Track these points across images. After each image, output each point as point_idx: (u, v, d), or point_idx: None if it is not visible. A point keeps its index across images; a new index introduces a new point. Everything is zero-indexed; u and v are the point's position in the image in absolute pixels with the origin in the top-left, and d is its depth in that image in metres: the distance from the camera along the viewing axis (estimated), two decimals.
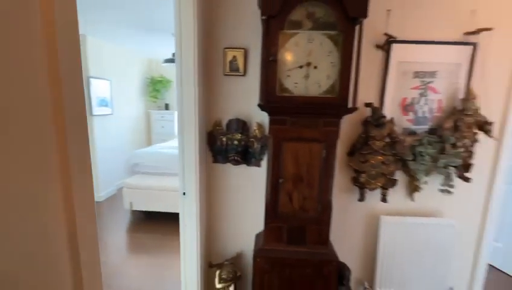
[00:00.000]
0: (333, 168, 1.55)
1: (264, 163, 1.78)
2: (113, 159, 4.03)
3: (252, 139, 1.73)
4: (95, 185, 3.78)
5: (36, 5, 0.48)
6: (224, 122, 1.75)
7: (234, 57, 1.66)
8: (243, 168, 1.79)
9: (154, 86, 5.05)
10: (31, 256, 0.53)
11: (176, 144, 3.79)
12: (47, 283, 0.57)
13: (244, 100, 1.72)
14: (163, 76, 5.17)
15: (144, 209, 3.23)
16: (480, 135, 1.58)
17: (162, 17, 2.72)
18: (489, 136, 1.57)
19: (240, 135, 1.71)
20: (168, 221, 3.22)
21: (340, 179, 1.75)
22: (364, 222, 1.82)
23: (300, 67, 1.46)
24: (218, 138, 1.74)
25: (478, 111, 1.56)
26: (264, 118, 1.70)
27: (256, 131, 1.72)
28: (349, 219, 1.82)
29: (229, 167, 1.79)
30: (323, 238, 1.64)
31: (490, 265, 2.32)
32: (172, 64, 3.26)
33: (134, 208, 3.20)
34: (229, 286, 1.78)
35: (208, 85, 1.69)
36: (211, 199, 1.85)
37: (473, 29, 1.54)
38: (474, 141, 1.59)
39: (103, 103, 3.80)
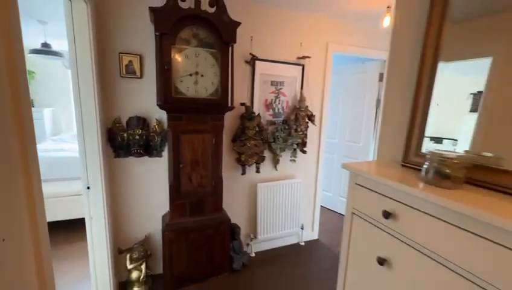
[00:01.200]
0: (221, 152, 2.07)
1: (165, 154, 2.10)
2: None
3: (152, 134, 2.01)
4: None
5: None
6: (124, 120, 1.93)
7: (130, 61, 1.87)
8: (145, 159, 2.04)
9: None
10: None
11: (55, 146, 3.37)
12: None
13: (143, 100, 1.96)
14: None
15: None
16: (310, 123, 2.51)
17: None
18: (314, 124, 2.52)
19: (140, 131, 1.95)
20: (69, 226, 2.89)
21: (227, 160, 2.31)
22: (246, 190, 2.47)
23: (190, 75, 1.87)
24: (118, 134, 1.91)
25: (307, 108, 2.47)
26: (162, 114, 2.01)
27: (156, 126, 2.01)
28: (236, 189, 2.42)
29: (131, 160, 2.00)
30: (218, 206, 2.15)
31: (323, 207, 3.56)
32: (41, 56, 2.86)
33: None
34: (141, 264, 2.02)
35: (105, 85, 1.82)
36: (116, 190, 1.99)
37: (301, 56, 2.41)
38: (307, 127, 2.50)
39: None
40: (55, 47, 3.33)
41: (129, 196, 2.05)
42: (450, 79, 0.95)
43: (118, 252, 2.00)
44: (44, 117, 4.36)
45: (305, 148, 2.53)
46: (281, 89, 2.43)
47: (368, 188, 0.96)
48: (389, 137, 1.21)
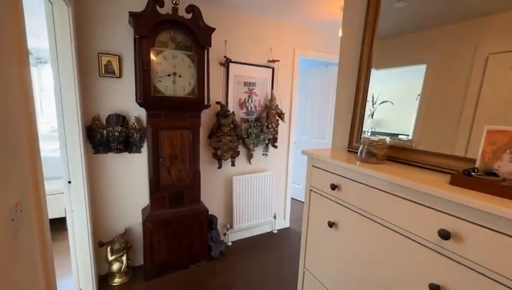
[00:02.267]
0: (198, 147, 2.23)
1: (144, 149, 2.21)
2: None
3: (132, 131, 2.11)
4: None
5: None
6: (104, 118, 2.01)
7: (109, 61, 1.96)
8: (125, 155, 2.13)
9: None
10: None
11: None
12: None
13: (122, 98, 2.06)
14: None
15: None
16: (280, 121, 2.76)
17: None
18: (283, 121, 2.77)
19: (120, 128, 2.04)
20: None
21: (204, 155, 2.47)
22: (223, 182, 2.65)
23: (169, 75, 2.01)
24: (98, 131, 1.99)
25: (277, 106, 2.72)
26: (141, 112, 2.12)
27: (135, 124, 2.12)
28: (213, 182, 2.59)
29: (111, 156, 2.08)
30: (196, 198, 2.31)
31: (294, 199, 3.85)
32: None
33: None
34: (122, 255, 2.11)
35: (84, 85, 1.89)
36: (95, 186, 2.06)
37: (271, 59, 2.65)
38: (277, 124, 2.75)
39: None
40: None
41: (109, 191, 2.13)
42: (386, 83, 1.22)
43: (99, 245, 2.07)
44: None
45: (276, 144, 2.77)
46: (253, 89, 2.65)
47: (321, 169, 1.21)
48: (339, 130, 1.48)
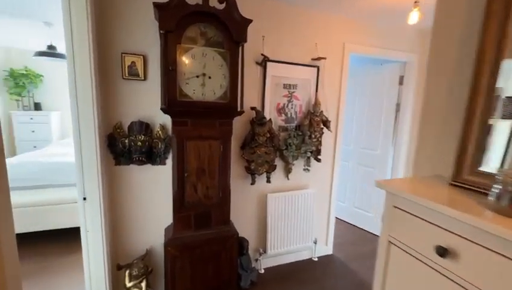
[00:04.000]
0: (229, 160, 1.91)
1: (169, 161, 1.95)
2: None
3: (156, 140, 1.86)
4: None
5: None
6: (126, 125, 1.79)
7: (133, 62, 1.74)
8: (148, 167, 1.89)
9: (16, 81, 4.05)
10: None
11: (58, 150, 3.28)
12: None
13: (146, 103, 1.82)
14: (29, 68, 4.22)
15: (23, 232, 2.66)
16: (325, 129, 2.32)
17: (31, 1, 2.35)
18: (329, 130, 2.33)
19: (143, 137, 1.81)
20: (50, 239, 2.78)
21: (235, 168, 2.14)
22: (256, 201, 2.30)
23: (197, 76, 1.72)
24: (119, 140, 1.77)
25: (322, 112, 2.29)
26: (166, 119, 1.86)
27: (160, 132, 1.87)
28: (244, 200, 2.25)
29: (133, 167, 1.85)
30: (225, 219, 1.98)
31: (338, 218, 3.33)
32: (47, 58, 2.79)
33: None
34: (141, 282, 1.85)
35: (105, 88, 1.69)
36: (115, 201, 1.85)
37: (316, 57, 2.24)
38: (321, 133, 2.31)
39: None
40: (61, 49, 3.27)
41: (130, 206, 1.90)
42: None
43: (117, 268, 1.84)
44: (51, 121, 4.32)
45: (319, 157, 2.34)
46: (294, 92, 2.26)
47: (410, 213, 0.78)
48: (429, 148, 1.02)
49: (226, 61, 1.78)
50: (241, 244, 2.16)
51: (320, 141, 2.32)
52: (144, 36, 1.75)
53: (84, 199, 1.55)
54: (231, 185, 1.96)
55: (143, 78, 1.78)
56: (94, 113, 1.49)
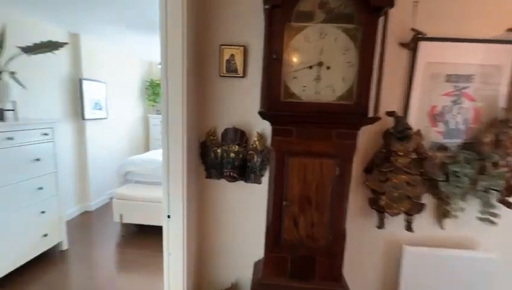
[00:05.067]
0: (348, 189, 1.28)
1: (265, 180, 1.52)
2: (106, 166, 3.80)
3: (251, 152, 1.48)
4: (85, 193, 3.55)
5: None
6: (220, 132, 1.50)
7: (232, 55, 1.42)
8: (240, 185, 1.53)
9: (154, 90, 4.85)
10: None
11: None
12: None
13: (243, 106, 1.47)
14: None
15: (135, 223, 2.97)
16: None
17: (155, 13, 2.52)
18: None
19: (237, 147, 1.46)
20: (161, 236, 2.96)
21: (354, 200, 1.48)
22: (383, 252, 1.54)
23: (310, 67, 1.21)
24: (212, 149, 1.49)
25: None
26: (266, 127, 1.45)
27: (257, 142, 1.47)
28: (365, 248, 1.54)
29: (224, 183, 1.54)
30: (335, 273, 1.36)
31: None
32: None
33: (125, 221, 2.95)
34: None
35: (200, 88, 1.44)
36: (203, 220, 1.59)
37: None
38: None
39: (97, 107, 3.60)
40: None
41: (218, 230, 1.60)
42: None
43: None
44: None
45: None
46: (465, 88, 1.37)
47: None
48: None
49: (354, 43, 1.17)
50: None
51: None
52: (247, 21, 1.40)
53: (168, 216, 1.32)
54: (346, 223, 1.33)
55: (242, 75, 1.43)
56: (183, 118, 1.23)
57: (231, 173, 1.46)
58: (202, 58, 1.42)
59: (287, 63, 1.20)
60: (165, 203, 1.33)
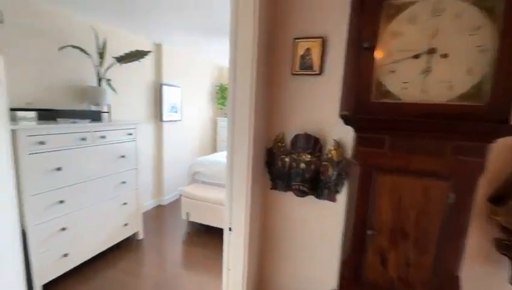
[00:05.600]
0: (467, 224, 0.92)
1: (342, 198, 1.26)
2: (178, 164, 4.10)
3: (325, 163, 1.24)
4: (160, 188, 3.88)
5: None
6: (289, 138, 1.31)
7: (307, 50, 1.22)
8: (310, 201, 1.31)
9: (223, 93, 5.04)
10: None
11: None
12: None
13: (318, 108, 1.25)
14: None
15: (199, 222, 3.06)
16: None
17: (225, 16, 2.52)
18: None
19: (308, 156, 1.24)
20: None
21: (472, 237, 1.07)
22: None
23: (416, 57, 0.91)
24: (279, 157, 1.32)
25: None
26: (345, 134, 1.19)
27: (333, 152, 1.22)
28: None
29: (291, 197, 1.34)
30: None
31: None
32: None
33: (191, 219, 3.06)
34: None
35: (269, 89, 1.29)
36: (266, 235, 1.42)
37: None
38: None
39: (173, 110, 3.90)
40: None
41: (282, 247, 1.41)
42: None
43: None
44: None
45: None
46: None
47: None
48: None
49: (491, 18, 0.82)
50: None
51: None
52: (326, 10, 1.18)
53: (230, 229, 1.20)
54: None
55: (318, 72, 1.21)
56: (250, 122, 1.10)
57: (300, 187, 1.25)
58: (272, 55, 1.27)
59: (381, 52, 0.93)
60: (227, 214, 1.21)
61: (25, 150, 1.77)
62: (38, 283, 1.93)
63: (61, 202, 2.04)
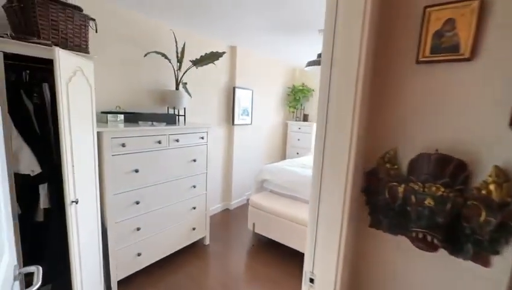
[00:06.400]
0: None
1: (503, 261, 0.76)
2: (246, 169, 3.98)
3: (474, 203, 0.77)
4: (228, 192, 3.83)
5: None
6: (405, 158, 0.88)
7: (449, 21, 0.78)
8: (441, 257, 0.85)
9: (295, 96, 4.72)
10: None
11: (311, 162, 3.19)
12: None
13: (463, 114, 0.79)
14: (305, 84, 4.75)
15: (265, 235, 2.82)
16: None
17: (310, 11, 2.19)
18: None
19: (442, 189, 0.80)
20: (292, 258, 2.63)
21: None
22: None
23: None
24: (387, 185, 0.91)
25: None
26: None
27: (492, 186, 0.74)
28: None
29: (405, 244, 0.91)
30: None
31: None
32: (315, 67, 2.69)
33: (257, 231, 2.85)
34: None
35: (377, 84, 0.90)
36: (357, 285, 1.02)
37: None
38: None
39: (245, 113, 3.81)
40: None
41: None
42: None
43: None
44: (312, 131, 4.59)
45: None
46: None
47: None
48: None
49: None
50: None
51: None
52: None
53: (311, 280, 0.86)
54: None
55: (467, 56, 0.76)
56: (351, 136, 0.74)
57: (426, 235, 0.81)
58: (387, 36, 0.87)
59: None
60: (308, 259, 0.88)
61: (109, 152, 1.85)
62: (114, 278, 2.01)
63: (137, 203, 2.09)
